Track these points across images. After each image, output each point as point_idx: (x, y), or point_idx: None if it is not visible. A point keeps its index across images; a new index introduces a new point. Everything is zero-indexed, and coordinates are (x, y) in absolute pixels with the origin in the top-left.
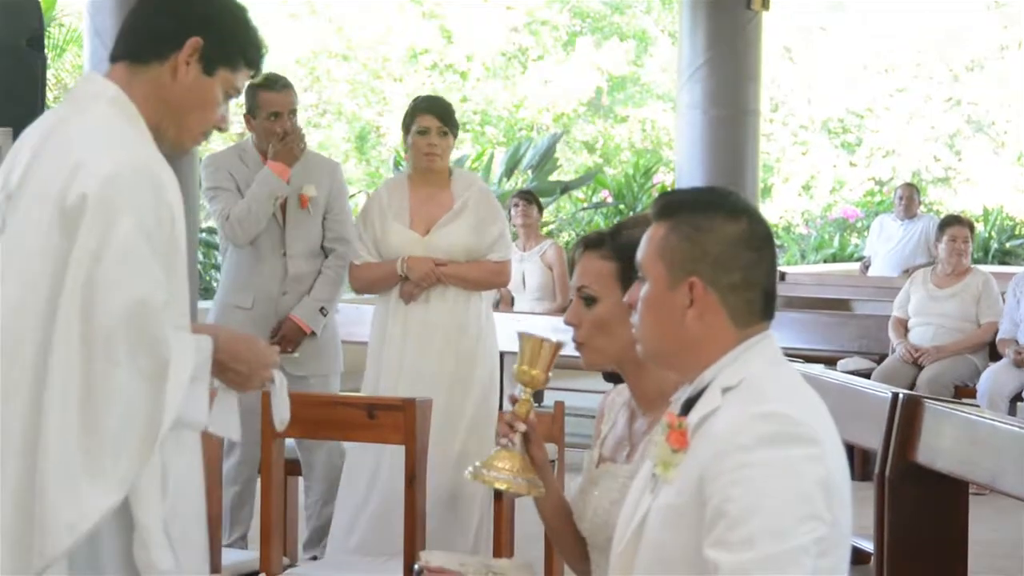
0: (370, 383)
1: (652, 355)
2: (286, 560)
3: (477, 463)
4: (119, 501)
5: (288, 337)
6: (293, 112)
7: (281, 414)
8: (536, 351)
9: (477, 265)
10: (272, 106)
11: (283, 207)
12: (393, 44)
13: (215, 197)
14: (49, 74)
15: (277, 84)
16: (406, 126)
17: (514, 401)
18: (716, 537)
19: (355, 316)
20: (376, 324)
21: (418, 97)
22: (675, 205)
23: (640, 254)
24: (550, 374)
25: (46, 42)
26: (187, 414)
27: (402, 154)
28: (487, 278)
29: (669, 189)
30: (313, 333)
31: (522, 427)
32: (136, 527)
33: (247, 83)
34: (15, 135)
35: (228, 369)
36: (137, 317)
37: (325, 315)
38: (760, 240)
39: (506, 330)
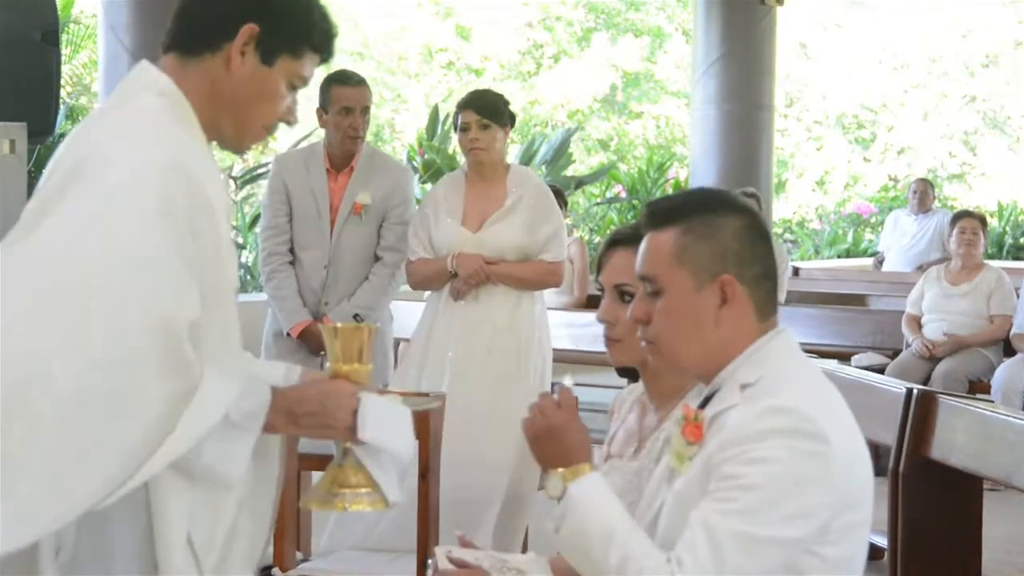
0: (411, 378)
1: (688, 364)
2: (299, 555)
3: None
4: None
5: (309, 335)
6: (366, 110)
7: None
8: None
9: (529, 265)
10: (344, 101)
11: (334, 213)
12: (409, 42)
13: (265, 206)
14: (66, 70)
15: (352, 80)
16: (455, 126)
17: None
18: (708, 496)
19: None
20: (424, 320)
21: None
22: (675, 210)
23: (649, 265)
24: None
25: (63, 39)
26: (216, 464)
27: (416, 149)
28: (539, 278)
29: (682, 183)
30: None
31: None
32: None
33: (326, 75)
34: (29, 129)
35: (302, 416)
36: (157, 334)
37: (359, 322)
38: (764, 230)
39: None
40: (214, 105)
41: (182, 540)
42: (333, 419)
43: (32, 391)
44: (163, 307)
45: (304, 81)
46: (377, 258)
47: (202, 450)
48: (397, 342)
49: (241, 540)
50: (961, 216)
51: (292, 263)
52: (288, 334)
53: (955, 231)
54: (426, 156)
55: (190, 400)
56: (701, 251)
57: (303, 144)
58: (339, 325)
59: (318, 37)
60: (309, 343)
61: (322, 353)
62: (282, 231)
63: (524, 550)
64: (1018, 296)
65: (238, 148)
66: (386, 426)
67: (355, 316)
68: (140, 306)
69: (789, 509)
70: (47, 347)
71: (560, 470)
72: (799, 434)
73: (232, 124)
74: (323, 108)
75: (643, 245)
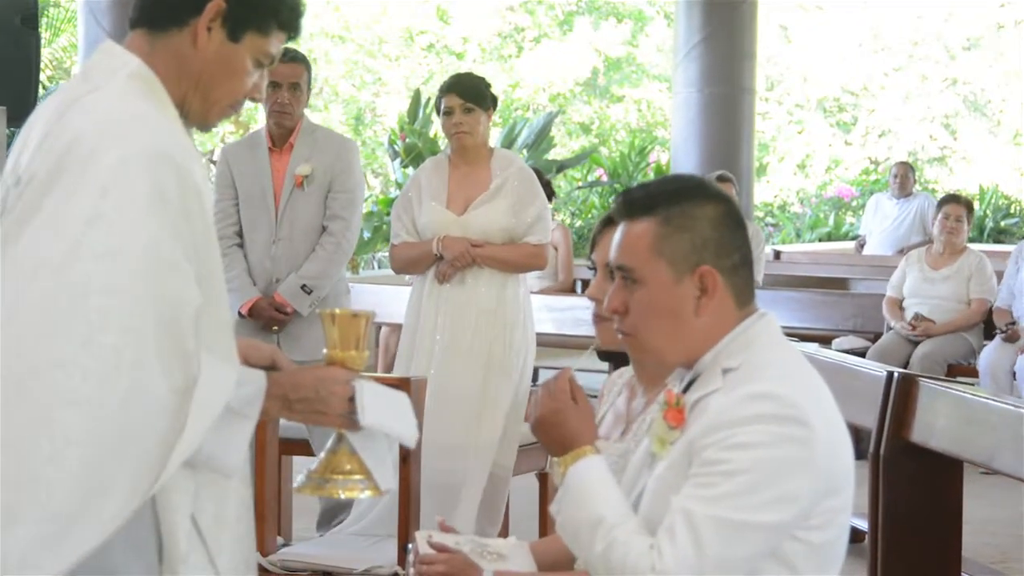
0: (403, 363)
1: (667, 355)
2: (280, 540)
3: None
4: (105, 537)
5: (258, 312)
6: (296, 86)
7: (388, 424)
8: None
9: (514, 248)
10: (273, 76)
11: (278, 189)
12: (389, 25)
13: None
14: (46, 54)
15: (285, 55)
16: (437, 110)
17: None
18: (689, 482)
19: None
20: (411, 304)
21: (448, 77)
22: (651, 199)
23: (625, 256)
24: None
25: (43, 23)
26: (217, 453)
27: (397, 133)
28: (524, 261)
29: (663, 167)
30: (298, 313)
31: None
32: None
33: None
34: (9, 114)
35: (296, 402)
36: (165, 328)
37: (309, 293)
38: (740, 217)
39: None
40: (182, 83)
41: (187, 524)
42: (326, 405)
43: (55, 405)
44: (168, 302)
45: (271, 59)
46: (324, 229)
47: (203, 441)
48: (379, 326)
49: (244, 522)
50: (948, 201)
51: (241, 245)
52: (240, 314)
53: (940, 215)
54: (408, 140)
55: (192, 392)
56: (679, 242)
57: None
58: (337, 312)
59: (286, 14)
60: (259, 319)
61: (275, 328)
62: (227, 215)
63: (505, 534)
64: (998, 275)
65: (204, 125)
66: (386, 411)
67: (303, 287)
68: (147, 304)
69: (771, 494)
70: (64, 357)
71: (561, 457)
72: (782, 420)
73: (199, 101)
74: None
75: (618, 235)
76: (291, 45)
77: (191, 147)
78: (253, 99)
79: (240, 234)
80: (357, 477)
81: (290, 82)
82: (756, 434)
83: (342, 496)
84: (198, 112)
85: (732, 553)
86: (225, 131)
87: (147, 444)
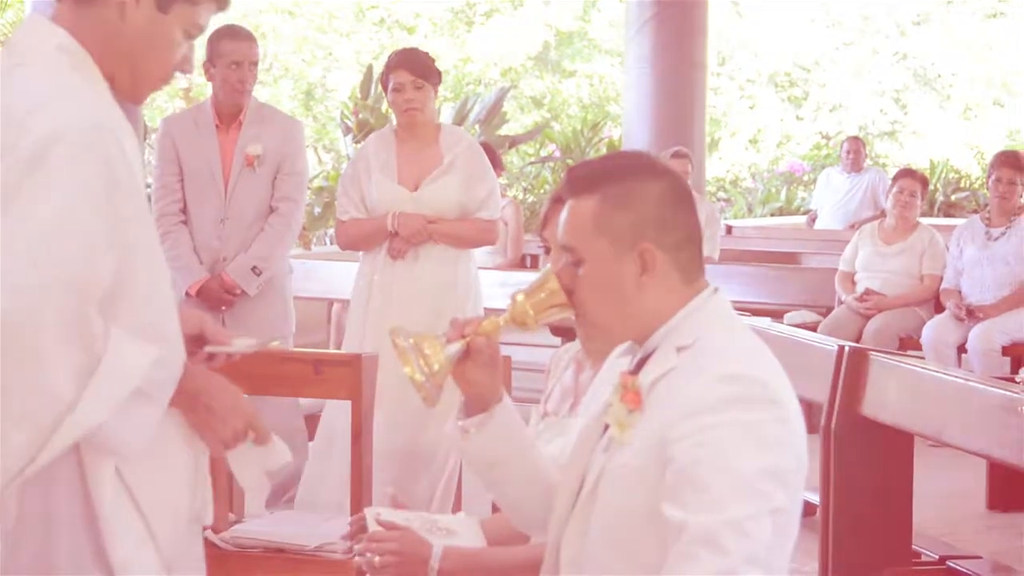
0: (355, 340)
1: (613, 333)
2: (232, 516)
3: (409, 330)
4: None
5: (207, 291)
6: (254, 64)
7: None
8: (551, 299)
9: (468, 223)
10: (234, 55)
11: (227, 167)
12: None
13: (153, 167)
14: None
15: (241, 34)
16: (384, 85)
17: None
18: (682, 499)
19: (303, 272)
20: (361, 281)
21: (392, 52)
22: (595, 177)
23: (569, 235)
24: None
25: None
26: (119, 432)
27: (350, 108)
28: (477, 236)
29: (616, 143)
30: (245, 292)
31: (466, 338)
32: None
33: (213, 30)
34: None
35: (203, 407)
36: (73, 302)
37: (258, 274)
38: (686, 193)
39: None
40: (111, 55)
41: (111, 472)
42: (221, 428)
43: None
44: (72, 271)
45: (200, 29)
46: (272, 209)
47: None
48: (331, 303)
49: (176, 478)
50: (903, 175)
51: (185, 222)
52: (187, 294)
53: (894, 190)
54: (360, 116)
55: (93, 369)
56: (620, 220)
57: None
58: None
59: None
60: (207, 301)
61: (223, 309)
62: (172, 191)
63: (457, 510)
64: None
65: (134, 98)
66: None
67: (253, 268)
68: (50, 270)
69: (765, 480)
70: None
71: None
72: (756, 401)
73: (128, 74)
74: (210, 62)
75: (564, 214)
76: (239, 21)
77: (122, 119)
78: (183, 71)
79: (184, 211)
80: (427, 371)
81: (251, 61)
82: (736, 420)
83: (403, 367)
84: (128, 85)
85: (757, 546)
86: (176, 108)
87: (32, 409)
